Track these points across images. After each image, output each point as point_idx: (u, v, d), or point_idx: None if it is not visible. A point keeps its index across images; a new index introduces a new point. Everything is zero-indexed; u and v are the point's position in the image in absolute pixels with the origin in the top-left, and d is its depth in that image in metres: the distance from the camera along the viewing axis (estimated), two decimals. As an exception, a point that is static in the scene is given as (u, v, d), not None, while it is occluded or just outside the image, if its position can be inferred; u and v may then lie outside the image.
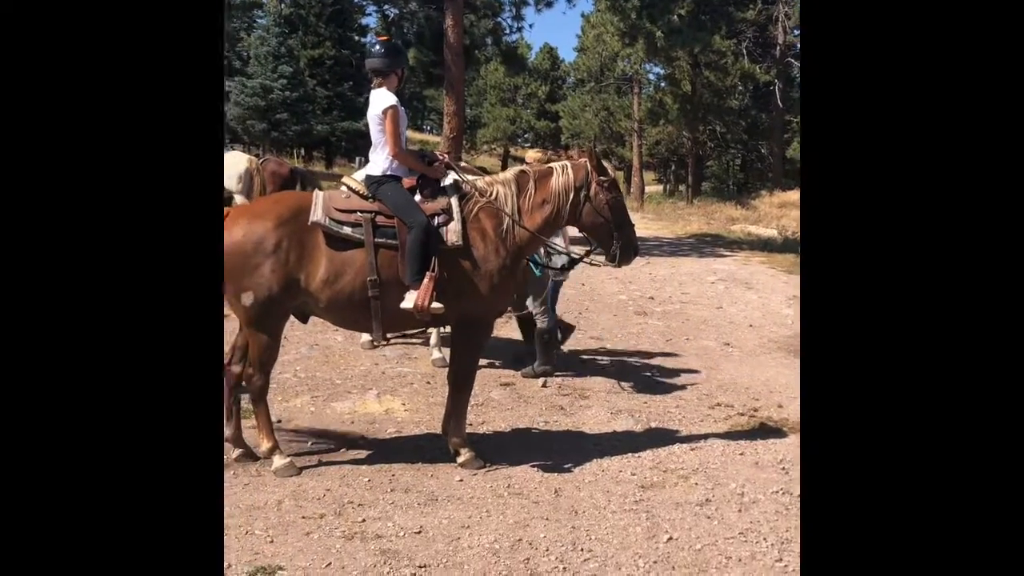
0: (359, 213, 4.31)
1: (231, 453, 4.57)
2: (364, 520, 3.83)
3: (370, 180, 4.45)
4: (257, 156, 13.70)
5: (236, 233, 4.20)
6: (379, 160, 4.48)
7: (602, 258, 4.73)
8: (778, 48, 30.98)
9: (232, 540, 3.57)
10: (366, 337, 7.15)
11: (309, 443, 4.88)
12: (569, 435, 5.25)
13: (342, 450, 4.79)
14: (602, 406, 5.86)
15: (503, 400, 5.92)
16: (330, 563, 3.38)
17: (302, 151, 37.66)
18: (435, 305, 4.19)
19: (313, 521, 3.80)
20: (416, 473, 4.45)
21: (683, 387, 6.47)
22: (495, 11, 18.19)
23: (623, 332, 8.60)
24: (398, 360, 6.89)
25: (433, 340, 6.74)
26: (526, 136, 55.51)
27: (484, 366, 6.76)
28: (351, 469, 4.47)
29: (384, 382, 6.23)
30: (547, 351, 6.45)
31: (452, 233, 4.33)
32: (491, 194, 4.49)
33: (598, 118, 30.12)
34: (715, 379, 6.74)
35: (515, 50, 18.62)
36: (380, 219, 4.31)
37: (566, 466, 4.60)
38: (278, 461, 4.40)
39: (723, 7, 25.95)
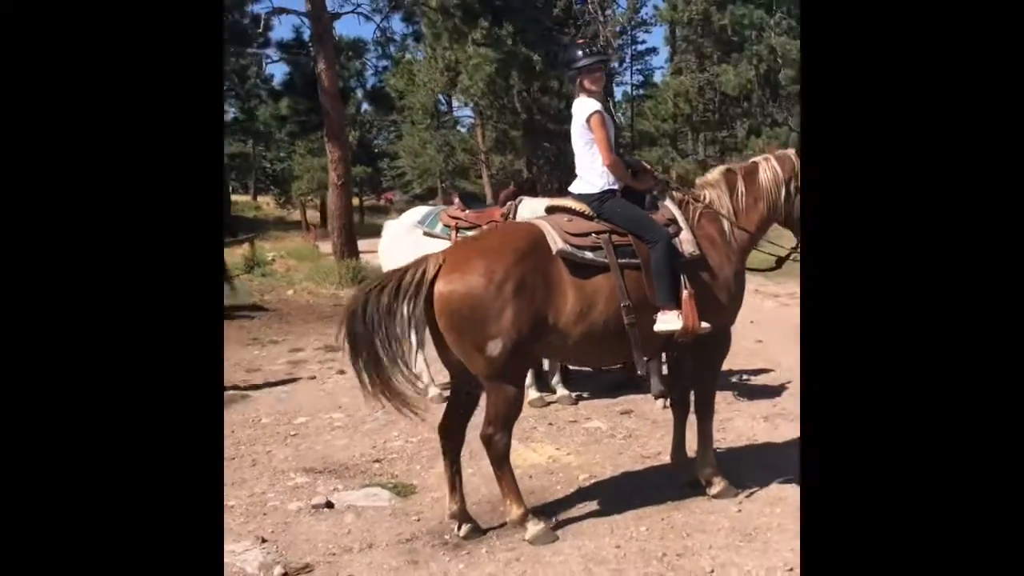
0: (594, 235, 3.87)
1: (458, 530, 3.97)
2: (712, 571, 3.39)
3: (589, 199, 4.02)
4: None
5: (472, 277, 3.65)
6: (592, 176, 4.07)
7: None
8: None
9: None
10: (433, 391, 6.51)
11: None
12: (754, 449, 4.99)
13: (558, 509, 4.26)
14: (744, 416, 5.64)
15: (640, 428, 5.56)
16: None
17: None
18: (704, 324, 3.82)
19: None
20: (689, 513, 4.05)
21: (786, 383, 6.37)
22: (359, 52, 17.62)
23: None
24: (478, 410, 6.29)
25: (528, 379, 6.23)
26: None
27: (584, 398, 6.38)
28: (610, 522, 3.99)
29: (504, 431, 5.67)
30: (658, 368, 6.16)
31: (687, 244, 3.99)
32: (705, 198, 4.18)
33: (441, 154, 29.95)
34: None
35: (382, 89, 18.10)
36: (615, 238, 3.90)
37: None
38: (533, 528, 3.86)
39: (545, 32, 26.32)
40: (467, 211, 6.17)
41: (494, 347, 3.65)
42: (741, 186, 4.24)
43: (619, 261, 3.85)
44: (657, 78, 43.86)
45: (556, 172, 36.04)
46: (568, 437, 5.45)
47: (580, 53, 4.10)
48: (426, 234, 6.23)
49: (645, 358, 3.95)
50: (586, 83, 4.08)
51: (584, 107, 4.07)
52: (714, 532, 3.77)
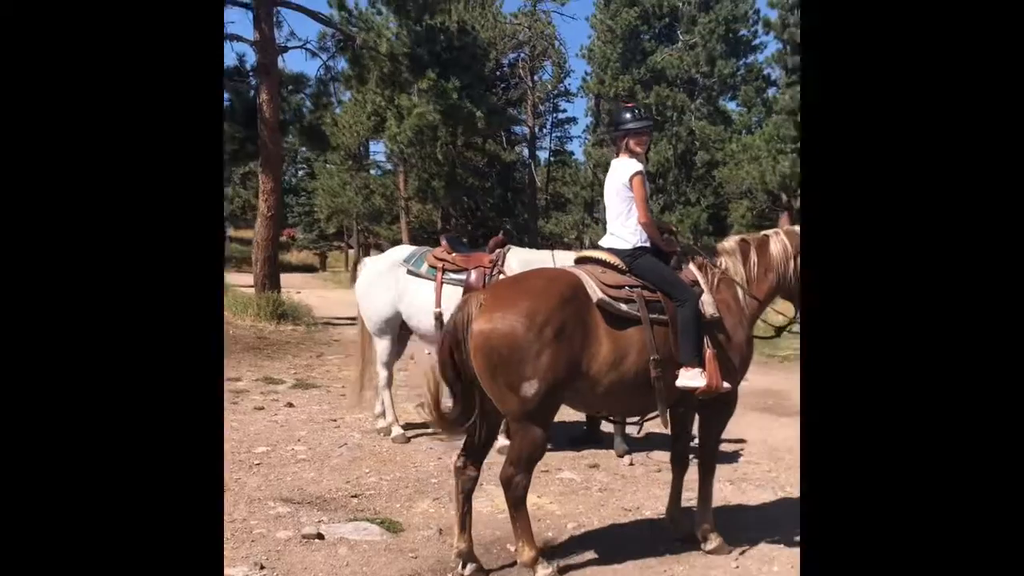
0: (628, 288, 4.01)
1: (462, 569, 3.96)
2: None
3: (622, 254, 4.16)
4: None
5: (514, 317, 3.71)
6: (625, 232, 4.22)
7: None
8: (528, 129, 33.07)
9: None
10: (397, 431, 6.52)
11: (515, 548, 4.32)
12: (730, 510, 5.16)
13: (555, 555, 4.29)
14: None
15: (613, 483, 5.66)
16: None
17: None
18: (725, 384, 3.99)
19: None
20: (690, 567, 4.15)
21: (739, 450, 6.60)
22: (299, 87, 17.54)
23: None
24: (442, 452, 6.26)
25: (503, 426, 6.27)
26: (246, 217, 53.46)
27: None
28: (612, 571, 4.07)
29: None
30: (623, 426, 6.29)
31: (708, 305, 4.17)
32: (722, 265, 4.39)
33: (360, 196, 29.82)
34: (741, 431, 6.95)
35: (319, 127, 18.02)
36: (646, 294, 4.05)
37: (796, 539, 4.51)
38: (543, 571, 3.90)
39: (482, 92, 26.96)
40: (454, 254, 6.23)
41: (529, 388, 3.70)
42: (754, 256, 4.46)
43: (651, 316, 3.99)
44: (572, 147, 45.29)
45: (469, 226, 36.59)
46: (544, 486, 5.50)
47: (628, 115, 4.29)
48: (410, 272, 6.25)
49: (662, 411, 4.08)
50: (631, 144, 4.26)
51: (627, 167, 4.23)
52: (732, 585, 3.89)
